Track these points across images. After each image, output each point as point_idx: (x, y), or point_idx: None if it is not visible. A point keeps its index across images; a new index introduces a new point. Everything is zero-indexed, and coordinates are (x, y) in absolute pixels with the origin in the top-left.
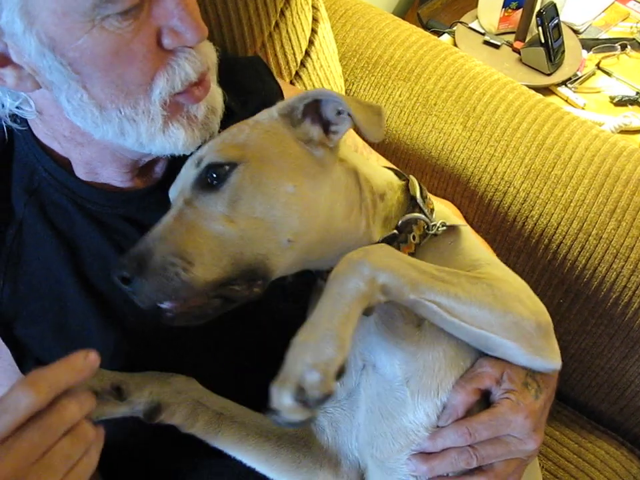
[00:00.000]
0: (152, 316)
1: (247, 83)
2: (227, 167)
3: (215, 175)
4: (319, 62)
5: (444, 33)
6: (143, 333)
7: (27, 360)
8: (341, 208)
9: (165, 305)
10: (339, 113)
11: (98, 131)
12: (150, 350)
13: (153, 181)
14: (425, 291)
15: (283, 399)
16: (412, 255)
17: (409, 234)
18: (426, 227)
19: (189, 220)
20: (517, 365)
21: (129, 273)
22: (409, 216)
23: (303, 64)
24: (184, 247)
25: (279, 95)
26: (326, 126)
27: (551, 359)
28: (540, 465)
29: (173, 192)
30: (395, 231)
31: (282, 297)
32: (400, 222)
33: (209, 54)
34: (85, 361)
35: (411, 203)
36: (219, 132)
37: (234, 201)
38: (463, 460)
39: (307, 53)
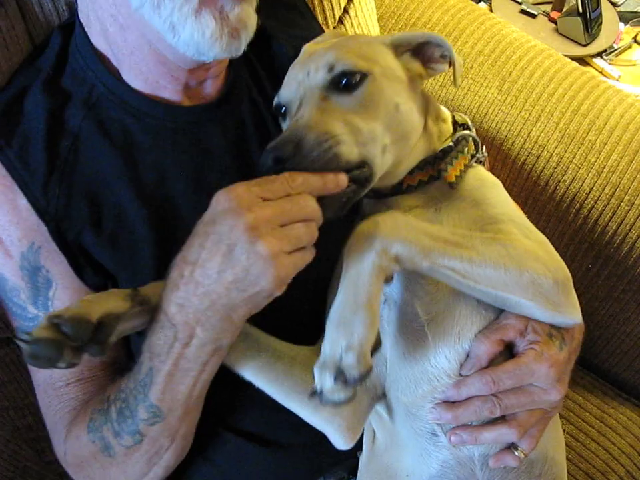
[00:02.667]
0: None
1: (292, 18)
2: (359, 76)
3: (347, 80)
4: (357, 20)
5: (480, 1)
6: None
7: (83, 268)
8: (421, 123)
9: None
10: (442, 56)
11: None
12: None
13: (203, 100)
14: (438, 257)
15: (324, 381)
16: (458, 176)
17: (464, 147)
18: (474, 147)
19: (329, 111)
20: None
21: (284, 154)
22: (463, 132)
23: (341, 21)
24: (332, 129)
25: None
26: (424, 62)
27: (570, 314)
28: (562, 428)
29: (287, 94)
30: (451, 143)
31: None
32: (455, 137)
33: None
34: (335, 177)
35: (460, 128)
36: (252, 51)
37: (363, 105)
38: (486, 409)
39: (346, 10)
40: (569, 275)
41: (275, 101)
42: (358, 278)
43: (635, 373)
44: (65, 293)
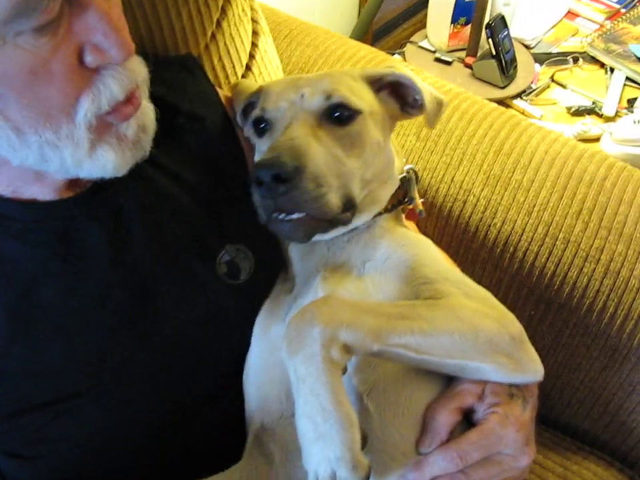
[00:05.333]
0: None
1: (178, 78)
2: (352, 112)
3: (341, 114)
4: (262, 77)
5: (394, 54)
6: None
7: None
8: (390, 167)
9: (290, 216)
10: (416, 100)
11: (16, 156)
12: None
13: (84, 188)
14: (388, 335)
15: None
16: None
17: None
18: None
19: (321, 139)
20: None
21: (289, 174)
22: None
23: (244, 78)
24: (328, 171)
25: (214, 95)
26: (401, 104)
27: (532, 371)
28: None
29: (274, 111)
30: (405, 174)
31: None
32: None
33: (138, 70)
34: None
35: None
36: (159, 134)
37: (351, 142)
38: None
39: (249, 67)
40: (521, 326)
41: (257, 113)
42: (313, 381)
43: (595, 422)
44: None
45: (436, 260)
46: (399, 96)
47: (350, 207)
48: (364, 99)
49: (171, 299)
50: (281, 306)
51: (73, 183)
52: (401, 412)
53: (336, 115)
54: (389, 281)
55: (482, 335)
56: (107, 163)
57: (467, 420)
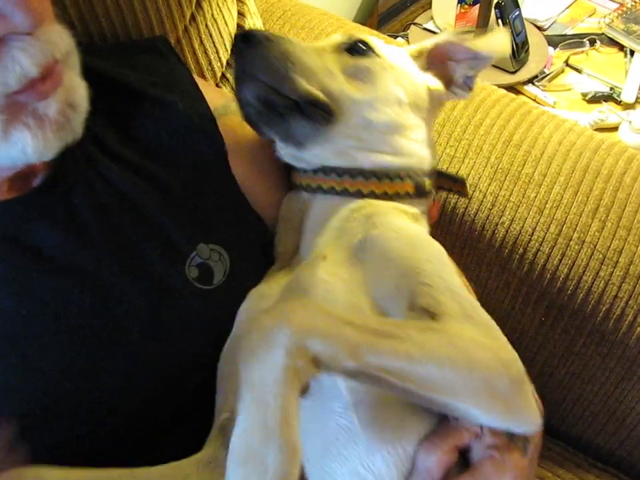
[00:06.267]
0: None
1: (147, 62)
2: (371, 52)
3: (356, 48)
4: None
5: (397, 37)
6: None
7: None
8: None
9: (253, 87)
10: (465, 83)
11: None
12: None
13: (30, 188)
14: (367, 353)
15: None
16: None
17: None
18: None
19: (327, 56)
20: None
21: (259, 38)
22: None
23: (229, 64)
24: (309, 63)
25: (188, 78)
26: (447, 83)
27: (528, 421)
28: None
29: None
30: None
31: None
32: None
33: (59, 41)
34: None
35: None
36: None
37: (358, 72)
38: None
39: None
40: (522, 367)
41: None
42: (265, 391)
43: (610, 438)
44: None
45: (445, 266)
46: (447, 77)
47: (326, 109)
48: (388, 55)
49: (135, 307)
50: (272, 288)
51: (18, 182)
52: (390, 437)
53: (352, 48)
54: (390, 268)
55: (477, 372)
56: (26, 146)
57: (462, 456)
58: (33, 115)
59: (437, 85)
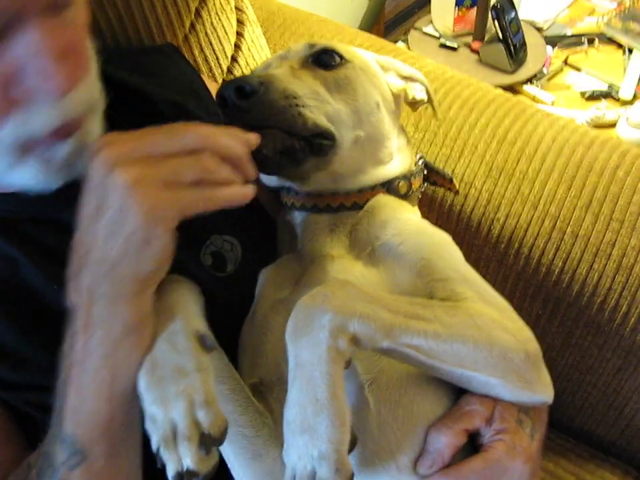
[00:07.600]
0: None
1: (155, 65)
2: (339, 59)
3: (326, 60)
4: (248, 69)
5: (397, 41)
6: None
7: None
8: (395, 143)
9: (271, 140)
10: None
11: None
12: None
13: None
14: (400, 334)
15: None
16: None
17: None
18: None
19: (301, 75)
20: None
21: (253, 87)
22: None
23: (230, 71)
24: (300, 91)
25: (197, 78)
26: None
27: (541, 393)
28: None
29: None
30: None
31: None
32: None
33: (89, 96)
34: (245, 136)
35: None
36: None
37: (337, 85)
38: None
39: (234, 59)
40: (539, 347)
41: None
42: (313, 369)
43: (610, 428)
44: None
45: (455, 256)
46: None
47: (329, 137)
48: (357, 57)
49: None
50: (289, 270)
51: None
52: (401, 414)
53: (321, 60)
54: (404, 270)
55: (497, 349)
56: (29, 180)
57: (470, 441)
58: (41, 156)
59: (398, 84)
